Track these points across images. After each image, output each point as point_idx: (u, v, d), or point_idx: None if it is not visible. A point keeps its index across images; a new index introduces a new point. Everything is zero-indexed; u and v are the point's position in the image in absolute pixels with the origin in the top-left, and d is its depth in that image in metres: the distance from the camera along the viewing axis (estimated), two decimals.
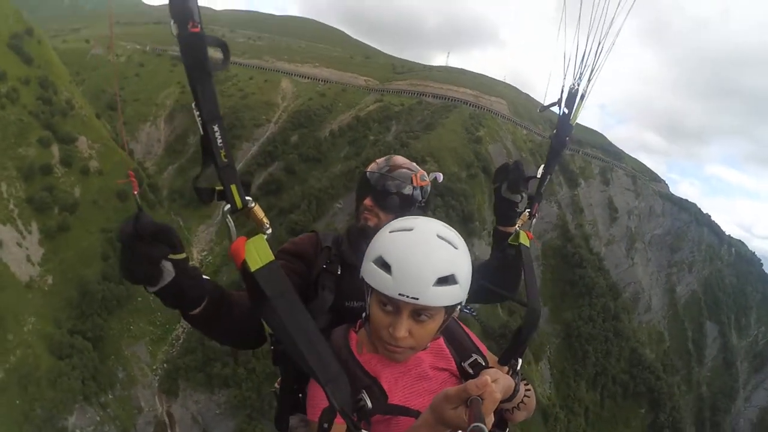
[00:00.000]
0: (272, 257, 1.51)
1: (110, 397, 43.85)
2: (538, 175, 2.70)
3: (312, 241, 2.38)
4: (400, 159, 2.52)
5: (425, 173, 2.51)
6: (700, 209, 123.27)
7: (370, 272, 1.67)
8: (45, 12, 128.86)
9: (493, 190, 2.87)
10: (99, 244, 49.89)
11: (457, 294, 1.65)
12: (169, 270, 1.42)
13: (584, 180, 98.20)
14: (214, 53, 1.39)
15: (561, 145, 2.66)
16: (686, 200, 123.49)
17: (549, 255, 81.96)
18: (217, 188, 1.48)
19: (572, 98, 2.56)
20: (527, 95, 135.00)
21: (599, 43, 2.38)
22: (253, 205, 1.56)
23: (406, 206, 2.37)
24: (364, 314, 1.84)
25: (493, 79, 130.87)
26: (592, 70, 2.47)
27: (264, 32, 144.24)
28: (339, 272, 2.26)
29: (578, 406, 69.03)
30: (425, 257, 1.61)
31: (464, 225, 65.72)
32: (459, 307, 1.75)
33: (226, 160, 1.43)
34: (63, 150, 55.52)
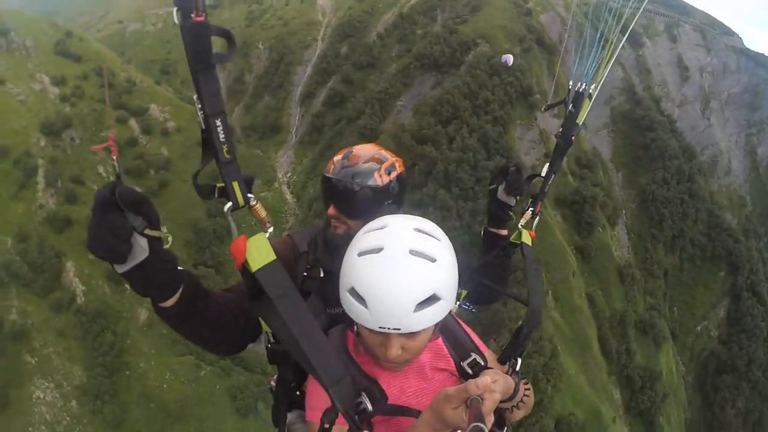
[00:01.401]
0: (274, 257, 1.55)
1: None
2: (543, 174, 2.81)
3: (289, 246, 2.35)
4: (361, 152, 2.33)
5: (394, 163, 2.34)
6: None
7: (347, 304, 1.65)
8: (68, 11, 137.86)
9: (488, 191, 2.91)
10: None
11: (442, 308, 1.62)
12: (142, 247, 1.38)
13: (649, 39, 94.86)
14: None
15: (567, 144, 2.74)
16: (763, 54, 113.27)
17: (618, 120, 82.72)
18: (218, 185, 1.52)
19: (579, 97, 2.69)
20: None
21: (610, 43, 2.58)
22: (255, 203, 1.60)
23: (374, 206, 2.24)
24: (355, 327, 1.82)
25: None
26: (599, 70, 2.63)
27: None
28: (322, 275, 2.24)
29: (657, 269, 72.62)
30: (399, 285, 1.55)
31: (524, 100, 67.78)
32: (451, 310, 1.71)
33: (228, 156, 1.45)
34: (140, 121, 65.08)
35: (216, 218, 56.09)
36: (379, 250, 1.60)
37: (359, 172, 2.25)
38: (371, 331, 1.67)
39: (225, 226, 55.61)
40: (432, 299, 1.59)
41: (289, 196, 66.84)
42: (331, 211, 2.30)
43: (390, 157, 2.36)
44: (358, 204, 2.24)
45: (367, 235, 1.69)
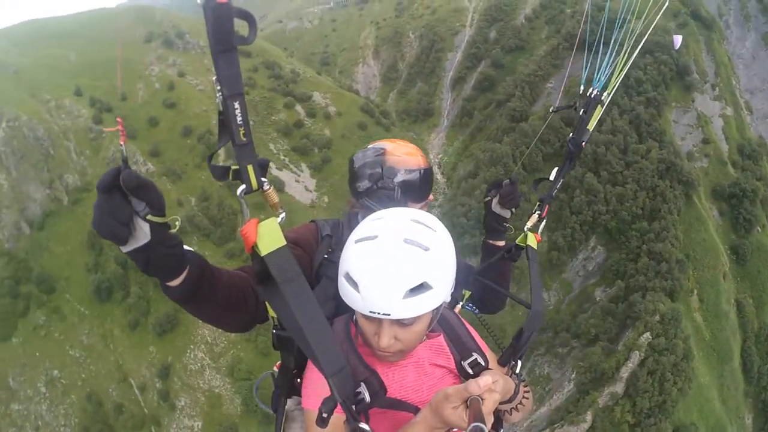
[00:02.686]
0: (284, 242, 1.55)
1: None
2: (551, 178, 2.90)
3: (311, 231, 2.46)
4: (394, 146, 2.60)
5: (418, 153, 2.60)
6: None
7: (342, 289, 1.73)
8: None
9: (483, 203, 2.99)
10: None
11: (434, 298, 1.68)
12: (144, 232, 1.40)
13: None
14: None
15: (577, 149, 2.85)
16: None
17: None
18: (233, 167, 1.54)
19: (591, 103, 2.79)
20: None
21: (624, 52, 2.60)
22: (268, 187, 1.61)
23: (428, 188, 2.56)
24: (354, 316, 1.93)
25: None
26: (611, 78, 2.70)
27: None
28: None
29: None
30: (390, 271, 1.63)
31: (680, 80, 64.46)
32: (445, 303, 1.78)
33: (244, 139, 1.46)
34: (305, 106, 75.18)
35: None
36: (374, 237, 1.70)
37: (395, 166, 2.51)
38: (365, 318, 1.78)
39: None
40: (423, 287, 1.64)
41: (439, 176, 71.21)
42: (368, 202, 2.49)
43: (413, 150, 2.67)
44: (422, 187, 2.55)
45: (366, 224, 1.80)
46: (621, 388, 45.83)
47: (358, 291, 1.65)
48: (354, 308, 1.71)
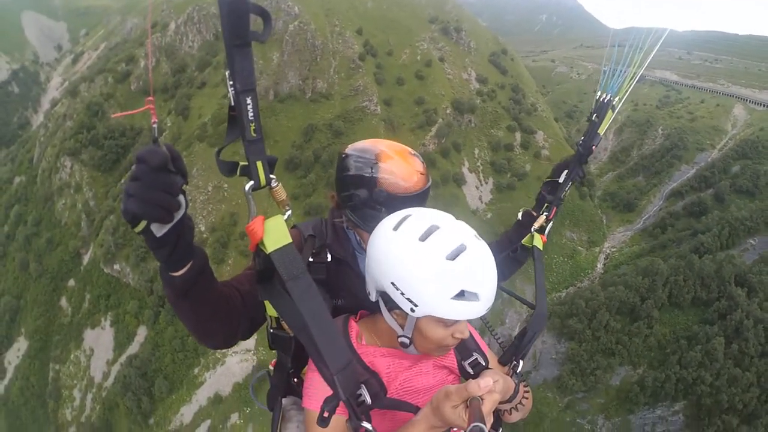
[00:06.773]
0: (290, 239, 1.63)
1: None
2: (561, 180, 3.08)
3: (294, 235, 2.41)
4: (405, 148, 2.58)
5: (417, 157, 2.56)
6: None
7: (451, 308, 1.75)
8: (518, 36, 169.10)
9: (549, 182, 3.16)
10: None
11: None
12: (180, 203, 1.47)
13: None
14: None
15: (587, 152, 2.99)
16: None
17: None
18: (242, 163, 1.58)
19: (603, 108, 2.97)
20: None
21: (635, 61, 2.85)
22: (276, 184, 1.68)
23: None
24: (405, 338, 1.93)
25: None
26: (625, 84, 2.92)
27: (722, 54, 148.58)
28: (329, 259, 2.41)
29: None
30: (494, 272, 1.80)
31: None
32: None
33: (255, 135, 1.50)
34: (523, 137, 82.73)
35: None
36: (464, 247, 1.77)
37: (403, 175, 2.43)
38: (444, 323, 1.84)
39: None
40: None
41: (600, 265, 72.31)
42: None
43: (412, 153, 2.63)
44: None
45: (438, 237, 1.79)
46: None
47: (477, 300, 1.75)
48: (464, 318, 1.80)
